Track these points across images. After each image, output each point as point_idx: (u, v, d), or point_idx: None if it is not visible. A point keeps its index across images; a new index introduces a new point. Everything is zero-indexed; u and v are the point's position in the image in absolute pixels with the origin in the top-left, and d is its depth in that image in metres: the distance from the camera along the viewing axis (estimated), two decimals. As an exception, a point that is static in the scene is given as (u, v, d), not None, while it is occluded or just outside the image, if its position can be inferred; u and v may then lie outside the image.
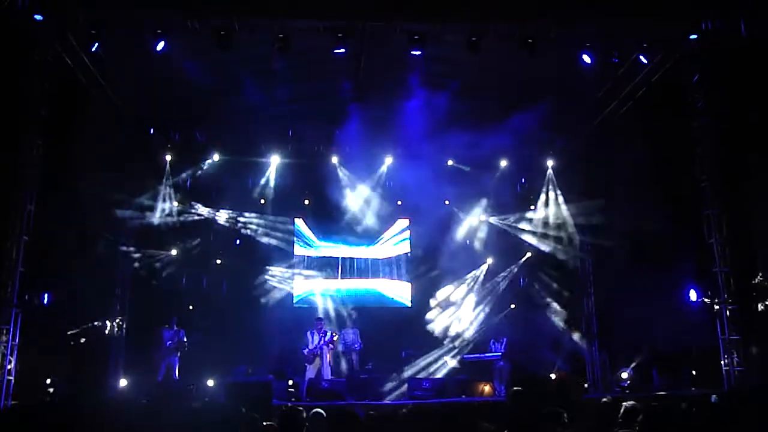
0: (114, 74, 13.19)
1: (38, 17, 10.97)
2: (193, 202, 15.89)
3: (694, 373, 13.65)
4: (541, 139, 15.89)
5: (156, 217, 15.31)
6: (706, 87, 12.69)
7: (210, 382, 13.40)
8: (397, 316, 16.48)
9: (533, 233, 16.90)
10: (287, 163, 16.11)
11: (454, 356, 15.74)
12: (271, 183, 16.07)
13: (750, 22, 11.44)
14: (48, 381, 11.94)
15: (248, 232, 16.19)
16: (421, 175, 15.53)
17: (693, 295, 13.72)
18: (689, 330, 13.45)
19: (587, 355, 16.56)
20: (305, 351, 13.76)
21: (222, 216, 16.00)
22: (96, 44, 11.71)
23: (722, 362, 12.17)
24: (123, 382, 13.99)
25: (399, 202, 16.73)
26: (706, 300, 12.68)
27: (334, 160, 16.20)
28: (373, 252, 16.95)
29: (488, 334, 15.63)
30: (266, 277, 16.11)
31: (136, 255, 15.23)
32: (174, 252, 15.70)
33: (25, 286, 11.01)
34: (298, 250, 16.58)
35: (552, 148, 16.63)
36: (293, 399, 12.62)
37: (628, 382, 14.12)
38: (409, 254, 17.02)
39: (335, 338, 13.99)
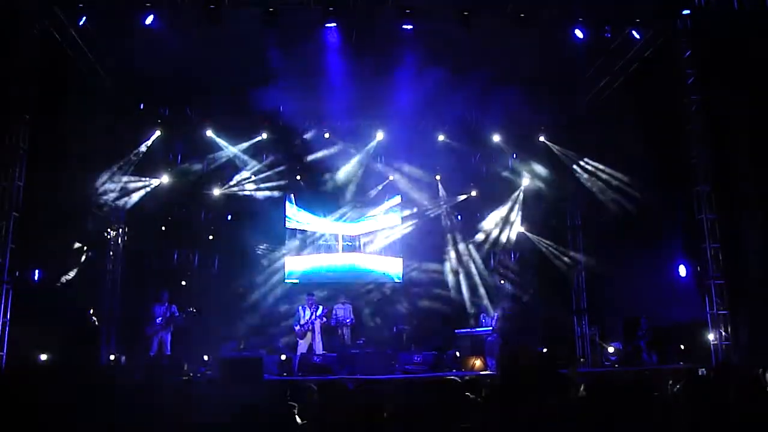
0: (102, 48, 13.07)
1: None
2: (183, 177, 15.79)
3: (682, 347, 13.80)
4: (532, 115, 15.82)
5: (145, 193, 15.23)
6: (698, 63, 12.69)
7: (205, 357, 13.47)
8: (388, 290, 16.59)
9: (524, 209, 17.00)
10: (278, 138, 16.02)
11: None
12: None
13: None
14: (42, 357, 11.93)
15: (240, 207, 16.12)
16: (412, 150, 15.62)
17: (682, 271, 13.84)
18: (679, 305, 13.57)
19: (577, 330, 16.76)
20: (297, 326, 13.80)
21: (214, 191, 15.90)
22: (84, 18, 11.62)
23: (710, 337, 12.33)
24: (112, 358, 14.01)
25: (390, 177, 16.74)
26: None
27: (326, 135, 16.09)
28: (365, 227, 16.94)
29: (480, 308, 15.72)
30: (258, 252, 16.08)
31: (127, 231, 15.21)
32: (164, 228, 15.67)
33: (15, 262, 10.97)
34: (290, 225, 16.53)
35: (543, 124, 16.58)
36: (285, 374, 12.69)
37: (616, 356, 14.26)
38: (399, 229, 17.03)
39: (327, 313, 14.03)
